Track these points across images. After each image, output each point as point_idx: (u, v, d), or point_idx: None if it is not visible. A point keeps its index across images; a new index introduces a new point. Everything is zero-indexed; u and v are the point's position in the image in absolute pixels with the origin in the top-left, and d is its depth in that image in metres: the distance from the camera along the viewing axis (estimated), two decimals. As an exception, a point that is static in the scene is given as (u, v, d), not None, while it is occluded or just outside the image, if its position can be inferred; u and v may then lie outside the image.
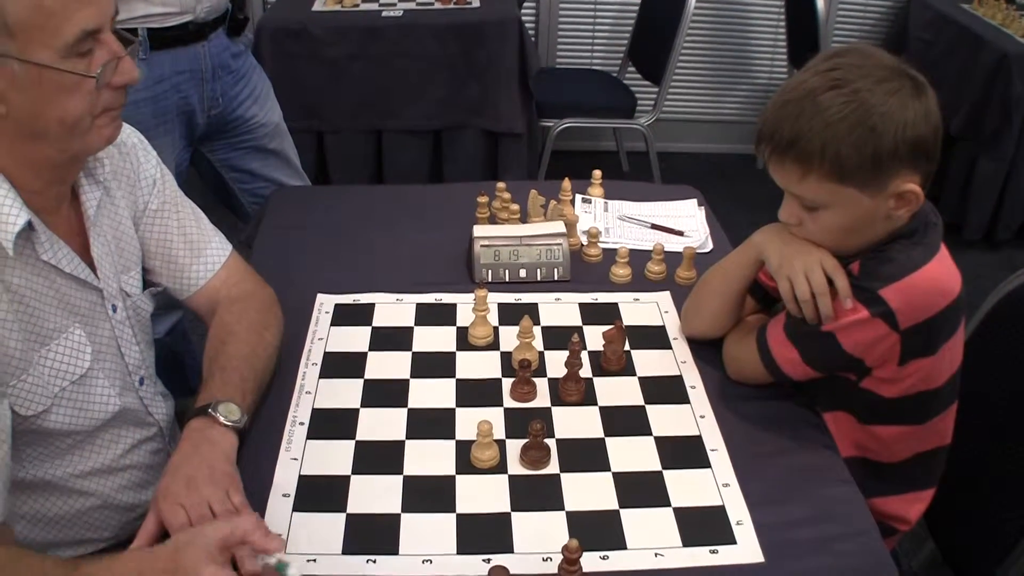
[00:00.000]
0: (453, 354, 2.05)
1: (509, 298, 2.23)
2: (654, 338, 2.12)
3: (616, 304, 2.23)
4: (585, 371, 1.98)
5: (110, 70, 1.56)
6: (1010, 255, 4.93)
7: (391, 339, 2.09)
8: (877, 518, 1.71)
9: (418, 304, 2.20)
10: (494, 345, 2.07)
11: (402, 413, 1.88)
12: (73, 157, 1.66)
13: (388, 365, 2.01)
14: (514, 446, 1.79)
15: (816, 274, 1.76)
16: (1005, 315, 2.13)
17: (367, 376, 1.98)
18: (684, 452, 1.80)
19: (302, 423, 1.85)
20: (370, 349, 2.06)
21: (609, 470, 1.75)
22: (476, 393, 1.94)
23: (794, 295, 1.79)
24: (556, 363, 1.98)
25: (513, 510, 1.66)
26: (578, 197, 2.65)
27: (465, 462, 1.75)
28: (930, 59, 5.07)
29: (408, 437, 1.82)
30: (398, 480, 1.72)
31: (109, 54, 1.55)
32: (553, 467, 1.75)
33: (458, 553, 1.57)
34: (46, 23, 1.46)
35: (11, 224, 1.55)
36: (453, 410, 1.89)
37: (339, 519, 1.64)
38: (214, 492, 1.54)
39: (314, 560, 1.56)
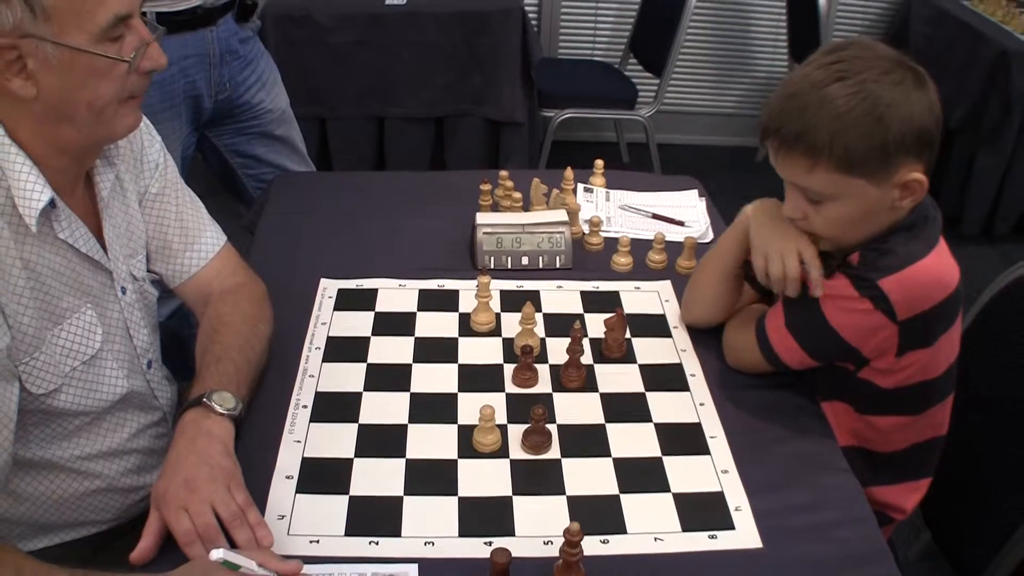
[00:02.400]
0: (455, 339, 2.06)
1: (511, 285, 2.25)
2: (655, 326, 2.13)
3: (617, 292, 2.24)
4: (586, 358, 1.99)
5: (140, 55, 1.58)
6: (1007, 249, 4.95)
7: (394, 324, 2.10)
8: (873, 507, 1.73)
9: (421, 290, 2.22)
10: (496, 331, 2.09)
11: (404, 397, 1.89)
12: (97, 143, 1.68)
13: (391, 350, 2.02)
14: (515, 431, 1.80)
15: (791, 259, 1.80)
16: (1002, 308, 2.14)
17: (370, 360, 1.99)
18: (684, 439, 1.82)
19: (305, 406, 1.86)
20: (373, 334, 2.07)
21: (609, 456, 1.77)
22: (478, 378, 1.95)
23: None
24: (557, 350, 2.00)
25: (514, 494, 1.68)
26: (580, 186, 2.66)
27: (467, 446, 1.77)
28: (931, 54, 5.07)
29: (410, 421, 1.83)
30: (400, 463, 1.73)
31: (138, 39, 1.57)
32: (554, 452, 1.77)
33: (460, 536, 1.59)
34: (81, 7, 1.48)
35: (35, 200, 1.56)
36: (455, 395, 1.90)
37: (342, 501, 1.65)
38: (216, 491, 1.53)
39: (317, 541, 1.57)
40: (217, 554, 1.40)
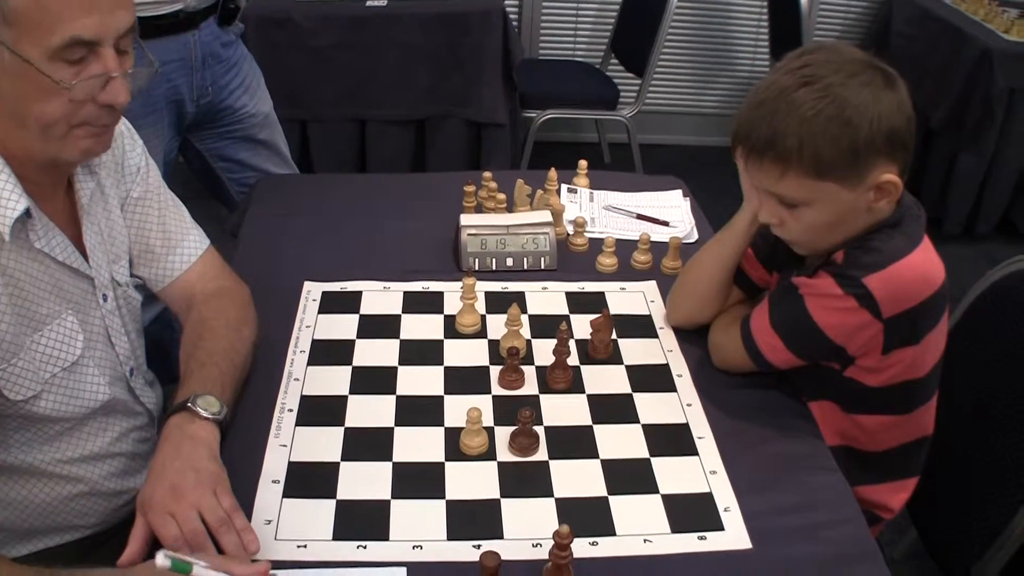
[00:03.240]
0: (441, 342, 2.05)
1: (496, 287, 2.24)
2: (640, 327, 2.13)
3: (602, 293, 2.24)
4: (572, 359, 1.99)
5: (91, 85, 1.53)
6: (989, 249, 4.96)
7: (379, 327, 2.09)
8: (861, 506, 1.72)
9: (405, 292, 2.21)
10: (482, 333, 2.08)
11: (390, 400, 1.88)
12: (49, 160, 1.62)
13: (376, 352, 2.02)
14: (503, 433, 1.79)
15: None
16: (986, 308, 2.15)
17: (355, 363, 1.98)
18: (671, 440, 1.81)
19: (291, 410, 1.85)
20: (358, 336, 2.06)
21: (597, 457, 1.76)
22: (464, 380, 1.94)
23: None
24: (543, 351, 1.99)
25: (502, 496, 1.67)
26: (564, 187, 2.66)
27: (454, 449, 1.76)
28: (912, 54, 5.09)
29: (397, 424, 1.82)
30: (387, 467, 1.72)
31: (101, 69, 1.52)
32: (542, 454, 1.76)
33: (448, 539, 1.58)
34: (41, 20, 1.44)
35: (10, 210, 1.54)
36: (441, 397, 1.89)
37: (329, 505, 1.64)
38: (202, 496, 1.52)
39: (304, 546, 1.56)
40: (162, 558, 1.37)
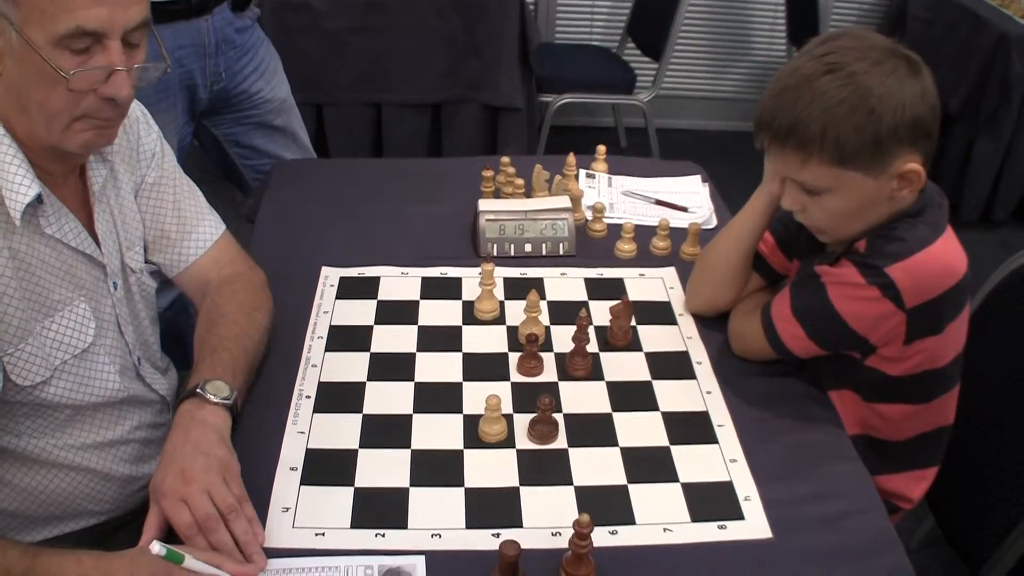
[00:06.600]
0: (459, 328, 2.05)
1: (514, 272, 2.23)
2: (660, 314, 2.12)
3: (621, 279, 2.23)
4: (592, 346, 1.98)
5: (93, 76, 1.51)
6: (1006, 235, 4.95)
7: (397, 313, 2.09)
8: (880, 496, 1.72)
9: (423, 278, 2.20)
10: (500, 319, 2.07)
11: (409, 387, 1.88)
12: (53, 147, 1.60)
13: (394, 339, 2.01)
14: (521, 420, 1.79)
15: None
16: (1006, 296, 2.13)
17: (373, 349, 1.98)
18: (691, 428, 1.81)
19: (308, 396, 1.85)
20: (376, 323, 2.06)
21: (617, 445, 1.76)
22: (483, 367, 1.94)
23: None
24: (562, 338, 1.99)
25: (522, 484, 1.67)
26: (582, 172, 2.65)
27: (473, 436, 1.76)
28: (929, 39, 5.06)
29: (415, 411, 1.82)
30: (406, 454, 1.72)
31: (105, 61, 1.51)
32: (561, 442, 1.76)
33: (467, 528, 1.58)
34: (48, 6, 1.43)
35: (21, 195, 1.53)
36: (460, 384, 1.89)
37: (347, 493, 1.64)
38: (212, 481, 1.51)
39: (322, 534, 1.56)
40: (158, 547, 1.37)
